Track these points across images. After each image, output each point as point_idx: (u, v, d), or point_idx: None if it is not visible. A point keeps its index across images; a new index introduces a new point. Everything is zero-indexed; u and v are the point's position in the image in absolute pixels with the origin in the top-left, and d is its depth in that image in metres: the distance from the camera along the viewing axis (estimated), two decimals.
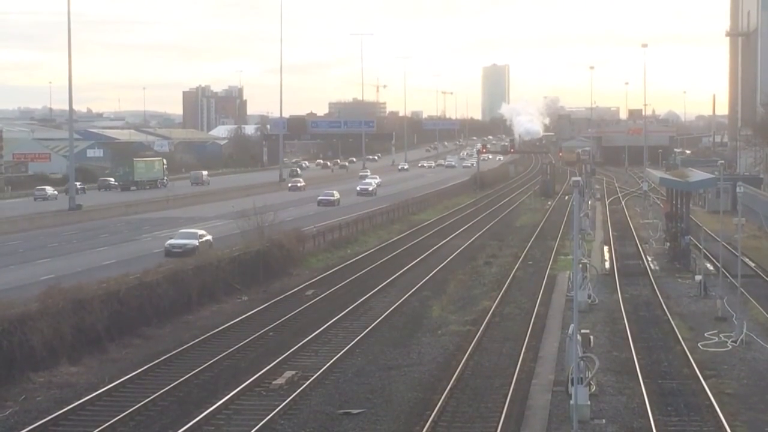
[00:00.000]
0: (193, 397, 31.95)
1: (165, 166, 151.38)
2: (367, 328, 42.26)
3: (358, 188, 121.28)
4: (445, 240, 76.15)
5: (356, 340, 39.87)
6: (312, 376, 33.80)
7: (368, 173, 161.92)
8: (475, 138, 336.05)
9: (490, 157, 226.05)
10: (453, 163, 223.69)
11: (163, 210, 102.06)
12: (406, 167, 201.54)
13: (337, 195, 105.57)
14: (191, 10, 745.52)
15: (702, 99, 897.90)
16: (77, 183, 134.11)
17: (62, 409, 30.07)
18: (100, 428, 28.12)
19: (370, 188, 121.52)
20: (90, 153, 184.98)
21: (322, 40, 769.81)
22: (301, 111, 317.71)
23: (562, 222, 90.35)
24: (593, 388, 30.82)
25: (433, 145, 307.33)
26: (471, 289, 53.73)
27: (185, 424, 28.38)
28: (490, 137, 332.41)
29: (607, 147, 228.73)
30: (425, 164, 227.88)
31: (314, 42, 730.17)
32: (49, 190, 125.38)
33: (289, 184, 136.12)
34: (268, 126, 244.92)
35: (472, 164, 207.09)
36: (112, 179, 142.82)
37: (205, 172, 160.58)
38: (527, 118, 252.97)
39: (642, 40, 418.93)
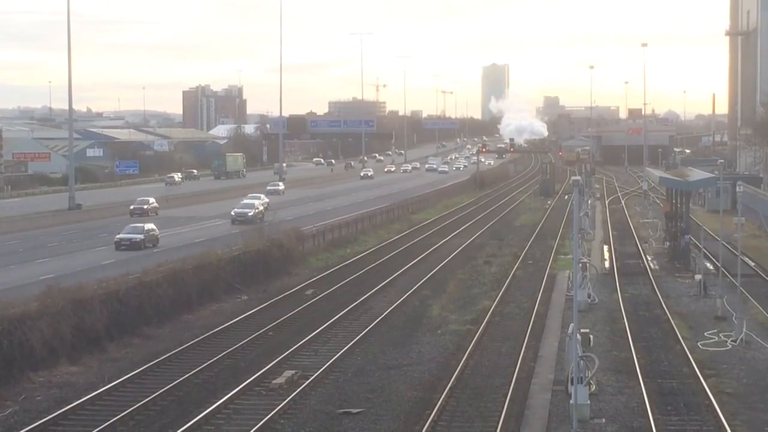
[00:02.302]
0: (192, 397, 31.96)
1: (244, 161, 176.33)
2: (366, 327, 42.27)
3: (233, 212, 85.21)
4: (445, 239, 76.17)
5: (356, 339, 39.89)
6: (312, 375, 33.81)
7: (280, 185, 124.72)
8: (464, 140, 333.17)
9: (483, 160, 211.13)
10: (435, 166, 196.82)
11: (163, 209, 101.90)
12: (370, 173, 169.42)
13: (151, 231, 68.82)
14: (191, 9, 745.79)
15: (702, 98, 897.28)
16: (194, 170, 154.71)
17: (62, 408, 30.08)
18: (100, 428, 28.13)
19: (250, 213, 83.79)
20: (90, 152, 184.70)
21: (322, 40, 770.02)
22: (300, 110, 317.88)
23: (561, 221, 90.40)
24: (593, 388, 30.84)
25: (442, 143, 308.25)
26: (471, 288, 53.75)
27: (185, 424, 28.39)
28: (462, 140, 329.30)
29: (606, 146, 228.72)
30: (392, 168, 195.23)
31: (314, 41, 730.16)
32: (177, 176, 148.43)
33: (132, 206, 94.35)
34: (268, 125, 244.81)
35: (457, 168, 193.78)
36: (195, 170, 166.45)
37: (284, 164, 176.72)
38: (519, 116, 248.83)
39: (642, 39, 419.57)
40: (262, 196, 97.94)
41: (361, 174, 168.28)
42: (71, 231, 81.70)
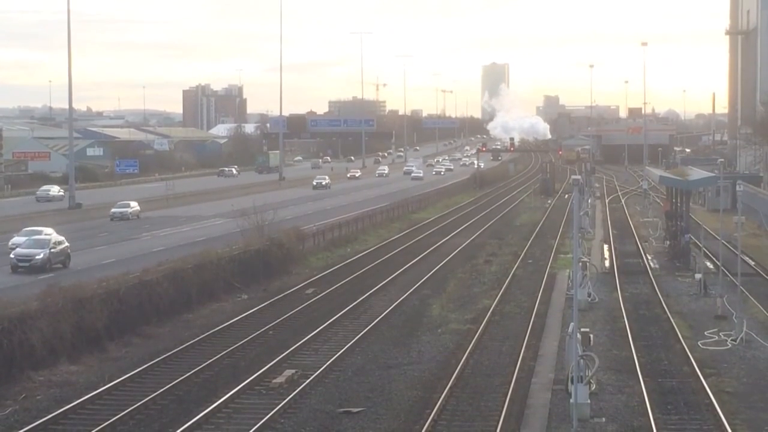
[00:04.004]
0: (192, 396, 31.95)
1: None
2: (366, 326, 42.26)
3: (12, 255, 57.79)
4: (445, 238, 76.16)
5: (356, 338, 39.89)
6: (312, 374, 33.81)
7: (129, 207, 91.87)
8: (463, 140, 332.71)
9: (468, 163, 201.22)
10: (412, 168, 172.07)
11: (164, 209, 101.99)
12: (324, 182, 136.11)
13: None
14: (191, 8, 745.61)
15: (702, 97, 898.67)
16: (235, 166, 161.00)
17: (62, 407, 30.08)
18: (100, 427, 28.13)
19: (40, 256, 56.29)
20: (90, 152, 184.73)
21: (322, 39, 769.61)
22: (301, 110, 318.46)
23: (561, 220, 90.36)
24: (593, 387, 30.83)
25: (452, 140, 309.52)
26: (471, 287, 53.74)
27: (185, 423, 28.38)
28: (462, 139, 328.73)
29: (606, 145, 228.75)
30: (357, 173, 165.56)
31: (314, 41, 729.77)
32: (234, 170, 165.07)
33: None
34: (268, 125, 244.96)
35: (437, 172, 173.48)
36: (236, 166, 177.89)
37: (320, 160, 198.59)
38: (509, 115, 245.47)
39: (642, 38, 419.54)
40: (49, 230, 62.98)
41: (314, 183, 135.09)
42: (71, 230, 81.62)
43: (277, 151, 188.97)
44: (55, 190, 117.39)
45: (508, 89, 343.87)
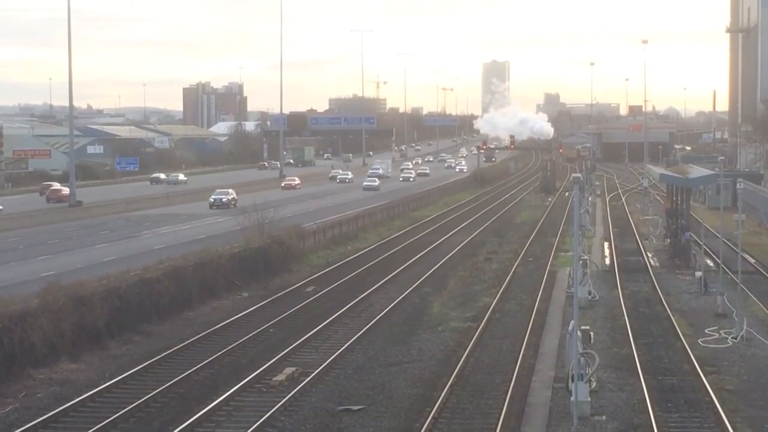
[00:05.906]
0: (193, 394, 31.95)
1: (314, 152, 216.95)
2: (367, 324, 42.24)
3: None
4: (446, 236, 76.14)
5: (356, 336, 39.85)
6: (312, 372, 33.79)
7: None
8: (461, 139, 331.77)
9: (454, 165, 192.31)
10: (378, 171, 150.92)
11: (164, 206, 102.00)
12: (226, 198, 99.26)
13: None
14: (191, 6, 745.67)
15: (702, 95, 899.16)
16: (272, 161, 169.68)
17: (62, 405, 30.07)
18: (101, 425, 28.11)
19: None
20: (90, 149, 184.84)
21: (323, 37, 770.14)
22: (301, 107, 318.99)
23: (562, 218, 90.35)
24: (593, 385, 30.80)
25: (459, 138, 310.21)
26: (471, 285, 53.72)
27: (185, 421, 28.36)
28: (459, 138, 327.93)
29: (607, 143, 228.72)
30: (294, 181, 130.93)
31: (314, 38, 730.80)
32: (275, 163, 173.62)
33: None
34: (269, 122, 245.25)
35: (405, 178, 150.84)
36: (273, 161, 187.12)
37: (350, 155, 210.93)
38: (499, 112, 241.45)
39: (642, 36, 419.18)
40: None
41: (211, 199, 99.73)
42: (72, 228, 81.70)
43: (311, 147, 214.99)
44: (181, 176, 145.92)
45: (503, 84, 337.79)
